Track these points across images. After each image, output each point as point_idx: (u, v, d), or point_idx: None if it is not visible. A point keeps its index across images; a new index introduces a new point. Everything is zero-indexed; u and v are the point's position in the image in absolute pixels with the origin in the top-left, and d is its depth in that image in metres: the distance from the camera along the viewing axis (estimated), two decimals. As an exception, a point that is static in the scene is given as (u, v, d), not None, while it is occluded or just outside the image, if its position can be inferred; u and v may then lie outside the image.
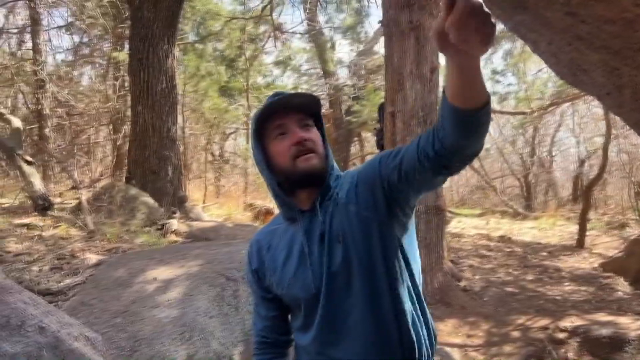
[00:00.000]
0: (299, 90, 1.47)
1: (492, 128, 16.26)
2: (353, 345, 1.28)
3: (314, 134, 1.32)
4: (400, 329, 1.28)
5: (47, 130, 8.98)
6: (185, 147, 9.35)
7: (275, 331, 1.49)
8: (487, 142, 16.79)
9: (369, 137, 17.46)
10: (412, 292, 1.32)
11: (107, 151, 11.24)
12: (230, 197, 11.56)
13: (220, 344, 3.23)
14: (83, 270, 4.56)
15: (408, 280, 1.31)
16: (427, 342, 1.33)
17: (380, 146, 6.08)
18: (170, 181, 7.56)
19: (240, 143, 16.17)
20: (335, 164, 1.38)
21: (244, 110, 13.51)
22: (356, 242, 1.26)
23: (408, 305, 1.29)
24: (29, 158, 6.62)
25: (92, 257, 5.00)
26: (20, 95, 9.83)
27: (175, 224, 6.68)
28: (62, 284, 4.31)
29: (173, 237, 6.44)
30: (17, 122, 7.06)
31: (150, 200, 6.97)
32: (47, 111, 8.95)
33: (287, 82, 16.49)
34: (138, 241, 5.98)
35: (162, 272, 3.81)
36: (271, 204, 9.60)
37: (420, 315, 1.33)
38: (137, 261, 4.14)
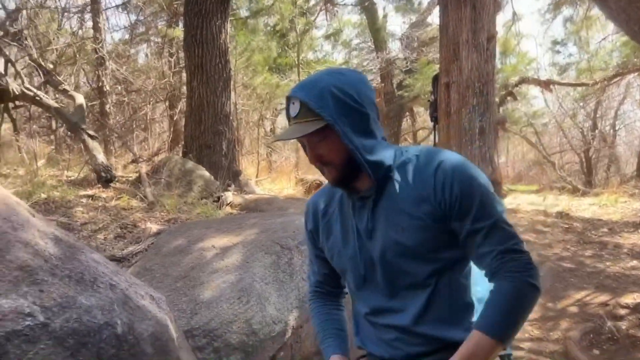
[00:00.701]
0: (340, 70, 1.30)
1: (551, 101, 15.62)
2: (401, 318, 1.31)
3: (322, 146, 1.25)
4: (441, 312, 1.29)
5: (107, 107, 9.34)
6: (237, 123, 9.51)
7: (328, 284, 1.57)
8: (545, 116, 16.14)
9: (421, 112, 17.16)
10: (460, 281, 1.32)
11: (163, 127, 11.59)
12: (281, 172, 11.68)
13: (276, 309, 3.32)
14: (145, 239, 4.78)
15: (457, 271, 1.31)
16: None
17: (434, 119, 5.97)
18: (224, 155, 7.74)
19: (291, 119, 16.24)
20: (383, 153, 1.28)
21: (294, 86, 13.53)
22: (405, 235, 1.26)
23: (453, 295, 1.31)
24: (92, 132, 6.92)
25: (153, 227, 5.22)
26: (82, 73, 10.26)
27: (230, 196, 6.85)
28: (125, 251, 4.54)
29: (228, 209, 6.61)
30: (80, 99, 7.38)
31: (206, 173, 7.16)
32: (107, 88, 9.30)
33: (338, 57, 16.37)
34: (195, 212, 6.18)
35: (220, 241, 3.93)
36: (322, 178, 9.67)
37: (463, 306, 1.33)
38: (195, 230, 4.28)
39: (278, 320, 3.29)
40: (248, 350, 3.08)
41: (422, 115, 17.28)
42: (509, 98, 12.20)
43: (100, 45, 8.92)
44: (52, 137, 9.38)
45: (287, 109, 1.25)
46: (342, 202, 1.39)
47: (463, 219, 1.23)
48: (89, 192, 6.40)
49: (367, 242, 1.32)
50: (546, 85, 12.13)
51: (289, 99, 1.25)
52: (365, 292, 1.37)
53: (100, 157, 6.58)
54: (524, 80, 12.44)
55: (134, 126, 10.11)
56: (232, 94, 8.45)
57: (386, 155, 1.28)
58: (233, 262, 3.64)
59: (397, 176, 1.29)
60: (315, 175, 10.36)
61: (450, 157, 1.27)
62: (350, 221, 1.35)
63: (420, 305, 1.28)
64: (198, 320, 3.12)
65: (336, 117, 1.20)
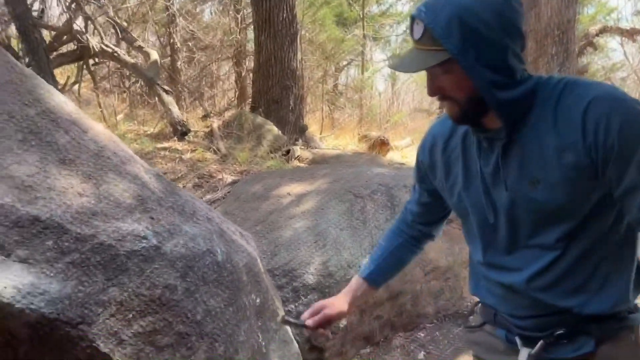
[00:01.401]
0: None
1: (631, 54, 14.58)
2: (513, 277, 1.19)
3: (445, 79, 1.08)
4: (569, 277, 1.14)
5: (178, 64, 9.62)
6: (302, 79, 9.56)
7: (420, 217, 1.47)
8: (624, 70, 15.13)
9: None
10: (607, 248, 1.14)
11: (230, 84, 11.82)
12: (345, 128, 11.69)
13: (350, 254, 3.43)
14: (222, 187, 5.01)
15: (601, 237, 1.12)
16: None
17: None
18: (291, 110, 7.84)
19: (355, 74, 16.15)
20: (519, 91, 1.08)
21: (358, 41, 13.37)
22: (540, 190, 1.10)
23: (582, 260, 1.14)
24: (166, 87, 7.18)
25: (228, 177, 5.44)
26: (153, 30, 10.57)
27: (298, 150, 6.98)
28: (204, 198, 4.77)
29: (296, 163, 6.75)
30: (154, 55, 7.64)
31: (274, 128, 7.30)
32: (177, 45, 9.56)
33: (403, 10, 15.92)
34: (265, 165, 6.36)
35: (295, 188, 4.06)
36: (386, 134, 9.61)
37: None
38: (269, 179, 4.43)
39: (352, 264, 3.40)
40: (325, 291, 3.22)
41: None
42: (588, 49, 11.49)
43: (170, 2, 9.13)
44: (126, 94, 9.79)
45: (411, 29, 1.09)
46: (465, 138, 1.23)
47: (622, 170, 1.01)
48: (166, 144, 6.70)
49: (492, 190, 1.17)
50: (630, 34, 11.32)
51: (412, 19, 1.08)
52: (483, 242, 1.24)
53: (176, 111, 6.85)
54: (605, 30, 11.65)
55: (204, 82, 10.38)
56: (299, 49, 8.47)
57: (522, 93, 1.07)
58: (308, 208, 3.76)
59: (534, 118, 1.09)
60: (379, 132, 10.30)
61: (604, 90, 1.04)
62: (474, 163, 1.20)
63: (538, 268, 1.14)
64: (278, 260, 3.28)
65: (463, 50, 1.02)
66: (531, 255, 1.16)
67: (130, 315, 1.59)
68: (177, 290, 1.71)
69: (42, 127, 1.73)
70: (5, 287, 1.36)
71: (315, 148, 7.71)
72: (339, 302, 1.45)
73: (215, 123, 7.31)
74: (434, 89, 1.11)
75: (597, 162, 1.03)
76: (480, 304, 1.36)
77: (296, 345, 2.50)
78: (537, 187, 1.09)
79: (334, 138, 10.67)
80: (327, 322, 1.42)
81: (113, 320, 1.55)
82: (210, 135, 7.08)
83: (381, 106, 14.61)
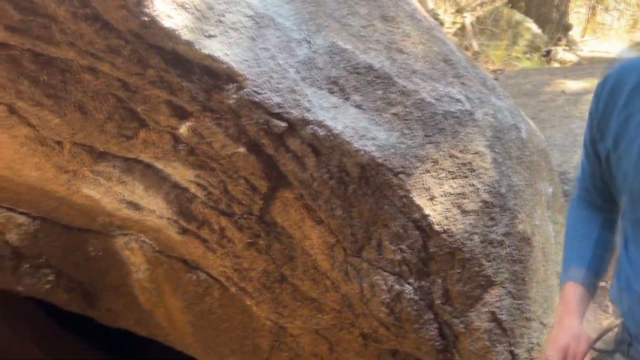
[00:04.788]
0: None
1: None
2: None
3: None
4: None
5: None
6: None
7: (599, 193, 1.14)
8: None
9: None
10: None
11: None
12: (610, 33, 10.04)
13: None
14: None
15: None
16: None
17: None
18: (556, 6, 6.95)
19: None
20: None
21: None
22: None
23: None
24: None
25: (483, 73, 5.15)
26: None
27: (560, 51, 6.24)
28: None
29: (556, 66, 6.07)
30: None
31: (533, 26, 6.61)
32: None
33: None
34: (520, 66, 5.86)
35: (571, 87, 3.64)
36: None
37: None
38: (537, 76, 4.05)
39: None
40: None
41: None
42: None
43: None
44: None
45: None
46: None
47: None
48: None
49: None
50: None
51: None
52: None
53: (430, 3, 6.63)
54: None
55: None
56: None
57: None
58: (587, 109, 3.35)
59: None
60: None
61: None
62: None
63: None
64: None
65: None
66: None
67: (443, 175, 1.59)
68: (486, 158, 1.66)
69: (367, -17, 1.74)
70: (346, 127, 1.45)
71: (580, 50, 6.80)
72: (576, 330, 1.09)
73: (469, 18, 6.90)
74: None
75: None
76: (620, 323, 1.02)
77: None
78: None
79: (598, 43, 9.30)
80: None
81: (427, 176, 1.57)
82: (462, 30, 6.73)
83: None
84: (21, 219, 2.52)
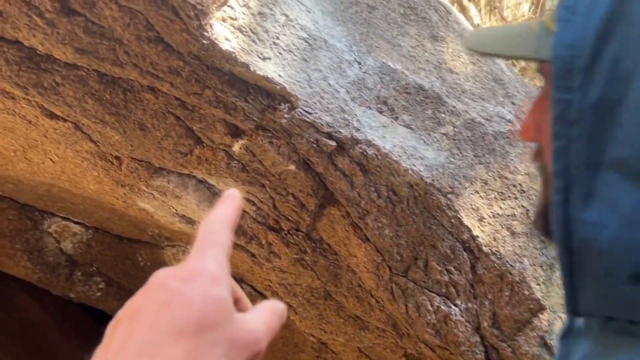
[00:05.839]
0: None
1: None
2: None
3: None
4: None
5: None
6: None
7: None
8: None
9: None
10: None
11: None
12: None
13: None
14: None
15: None
16: None
17: None
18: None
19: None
20: None
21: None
22: None
23: None
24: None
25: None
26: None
27: None
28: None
29: None
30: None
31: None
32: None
33: None
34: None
35: None
36: None
37: None
38: None
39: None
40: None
41: None
42: None
43: None
44: None
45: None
46: None
47: None
48: None
49: None
50: None
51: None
52: None
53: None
54: None
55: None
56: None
57: None
58: None
59: None
60: None
61: None
62: None
63: None
64: None
65: None
66: None
67: (492, 196, 1.58)
68: (537, 179, 1.64)
69: (417, 3, 1.76)
70: (395, 146, 1.47)
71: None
72: None
73: None
74: None
75: None
76: None
77: None
78: None
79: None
80: None
81: (477, 196, 1.56)
82: None
83: None
84: (76, 228, 2.63)
